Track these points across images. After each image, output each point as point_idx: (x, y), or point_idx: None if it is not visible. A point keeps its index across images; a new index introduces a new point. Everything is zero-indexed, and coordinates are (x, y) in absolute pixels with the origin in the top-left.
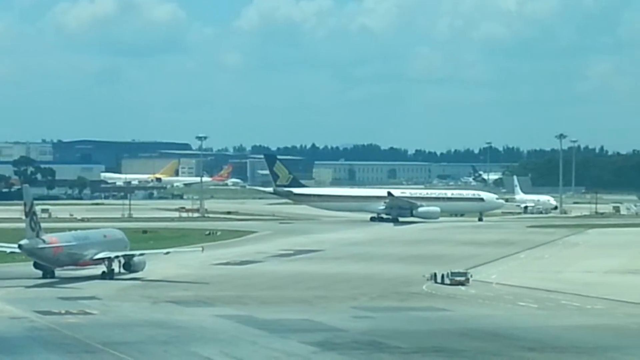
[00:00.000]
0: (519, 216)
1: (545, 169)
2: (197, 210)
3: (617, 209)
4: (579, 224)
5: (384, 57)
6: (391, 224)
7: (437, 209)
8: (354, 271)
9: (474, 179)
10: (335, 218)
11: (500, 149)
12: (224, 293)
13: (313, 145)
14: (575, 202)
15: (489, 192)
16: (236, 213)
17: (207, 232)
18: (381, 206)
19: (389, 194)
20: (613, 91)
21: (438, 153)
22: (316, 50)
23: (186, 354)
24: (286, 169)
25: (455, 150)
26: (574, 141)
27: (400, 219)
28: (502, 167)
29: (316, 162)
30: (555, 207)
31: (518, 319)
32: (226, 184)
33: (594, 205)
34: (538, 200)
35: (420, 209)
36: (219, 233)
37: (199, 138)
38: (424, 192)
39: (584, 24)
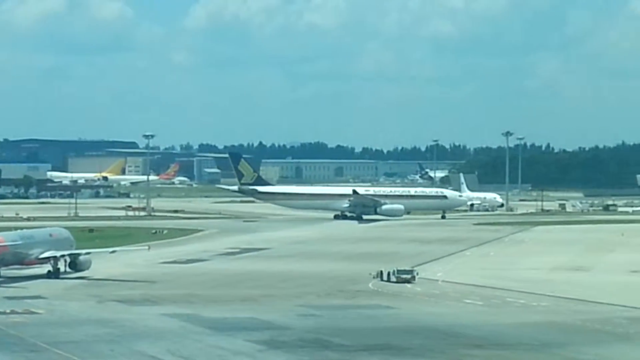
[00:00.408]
0: (465, 214)
1: (492, 167)
2: (144, 209)
3: (563, 206)
4: (525, 222)
5: (332, 55)
6: (355, 222)
7: (401, 206)
8: (301, 269)
9: (420, 176)
10: (285, 216)
11: (447, 146)
12: (170, 292)
13: (260, 143)
14: (521, 199)
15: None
16: (182, 212)
17: (154, 231)
18: (345, 204)
19: (354, 192)
20: (559, 89)
21: (385, 151)
22: (264, 48)
23: (132, 352)
24: (251, 167)
25: (402, 148)
26: (521, 139)
27: (364, 217)
28: (448, 164)
29: (263, 161)
30: (502, 205)
31: (464, 317)
32: (173, 183)
33: (540, 203)
34: (484, 198)
35: (384, 207)
36: (165, 232)
37: (146, 136)
38: (387, 190)
39: (532, 21)
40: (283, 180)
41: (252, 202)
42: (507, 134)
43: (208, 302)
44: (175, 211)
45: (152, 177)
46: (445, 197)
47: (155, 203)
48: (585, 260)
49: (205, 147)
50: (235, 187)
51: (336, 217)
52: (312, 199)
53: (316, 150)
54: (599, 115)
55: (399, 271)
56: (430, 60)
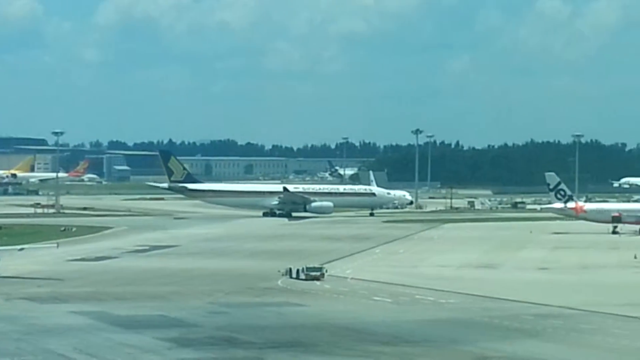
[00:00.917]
0: (375, 211)
1: (401, 164)
2: (53, 206)
3: (471, 204)
4: (434, 219)
5: (241, 53)
6: (286, 219)
7: (330, 204)
8: (210, 267)
9: (330, 174)
10: (197, 213)
11: (357, 144)
12: (79, 289)
13: (170, 140)
14: (430, 197)
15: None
16: (92, 209)
17: (63, 228)
18: (274, 201)
19: (285, 189)
20: (469, 87)
21: (295, 148)
22: (174, 46)
23: (40, 350)
24: (181, 165)
25: (312, 146)
26: (430, 136)
27: (294, 214)
28: (358, 162)
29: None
30: (411, 202)
31: (373, 314)
32: (82, 180)
33: (449, 200)
34: (394, 195)
35: (314, 204)
36: (74, 229)
37: (55, 133)
38: (316, 187)
39: (441, 19)
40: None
41: (180, 199)
42: (417, 131)
43: (117, 299)
44: (85, 208)
45: (61, 174)
46: (373, 194)
47: (65, 200)
48: (494, 257)
49: (115, 144)
50: (165, 185)
51: (265, 214)
52: (241, 196)
53: (226, 147)
54: (508, 113)
55: (308, 268)
56: (340, 58)
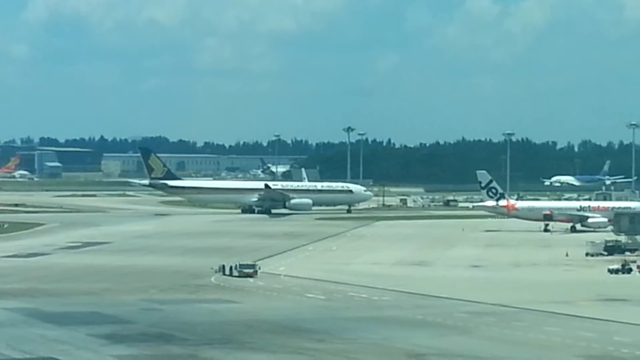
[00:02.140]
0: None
1: (334, 162)
2: None
3: (404, 202)
4: (367, 217)
5: (171, 50)
6: (266, 216)
7: (310, 200)
8: (143, 263)
9: (262, 171)
10: (129, 211)
11: (289, 141)
12: (10, 286)
13: (102, 137)
14: None
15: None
16: (24, 205)
17: None
18: (254, 198)
19: (266, 186)
20: (399, 85)
21: (227, 145)
22: (104, 42)
23: None
24: (161, 162)
25: (244, 143)
26: (362, 134)
27: (273, 211)
28: (290, 159)
29: (105, 154)
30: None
31: (306, 311)
32: (13, 176)
33: (381, 198)
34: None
35: (293, 201)
36: (5, 225)
37: None
38: (295, 185)
39: (370, 18)
40: (124, 174)
41: (163, 196)
42: (349, 129)
43: (49, 295)
44: (16, 205)
45: None
46: (351, 191)
47: None
48: (427, 255)
49: (46, 141)
50: (146, 182)
51: (244, 211)
52: (221, 193)
53: (157, 144)
54: (439, 111)
55: (241, 265)
56: (270, 56)
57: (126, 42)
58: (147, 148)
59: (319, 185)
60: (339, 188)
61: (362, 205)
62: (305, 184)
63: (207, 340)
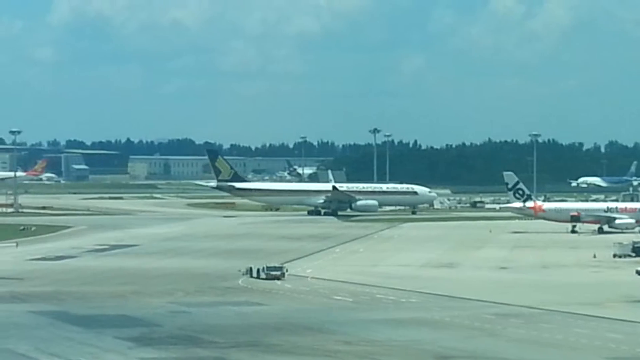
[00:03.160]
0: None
1: (360, 163)
2: (11, 206)
3: (431, 204)
4: (394, 218)
5: (197, 51)
6: (334, 218)
7: (375, 202)
8: (170, 266)
9: (289, 173)
10: (156, 213)
11: (315, 143)
12: (38, 289)
13: (128, 139)
14: None
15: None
16: (51, 208)
17: (22, 227)
18: (320, 200)
19: (334, 187)
20: (425, 86)
21: (253, 147)
22: (128, 44)
23: (0, 351)
24: (227, 164)
25: (270, 145)
26: (388, 135)
27: (340, 213)
28: (317, 161)
29: (131, 157)
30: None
31: (333, 313)
32: (41, 179)
33: None
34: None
35: (359, 203)
36: (33, 228)
37: (13, 132)
38: (360, 186)
39: (395, 18)
40: (151, 177)
41: (230, 199)
42: (375, 131)
43: (77, 299)
44: (44, 208)
45: (19, 174)
46: (415, 193)
47: (23, 200)
48: (454, 256)
49: (72, 143)
50: (214, 184)
51: (310, 212)
52: (288, 195)
53: (184, 146)
54: (465, 112)
55: (268, 268)
56: (296, 57)
57: (150, 43)
58: (215, 150)
59: (384, 186)
60: (404, 189)
61: (388, 207)
62: (371, 186)
63: (235, 343)
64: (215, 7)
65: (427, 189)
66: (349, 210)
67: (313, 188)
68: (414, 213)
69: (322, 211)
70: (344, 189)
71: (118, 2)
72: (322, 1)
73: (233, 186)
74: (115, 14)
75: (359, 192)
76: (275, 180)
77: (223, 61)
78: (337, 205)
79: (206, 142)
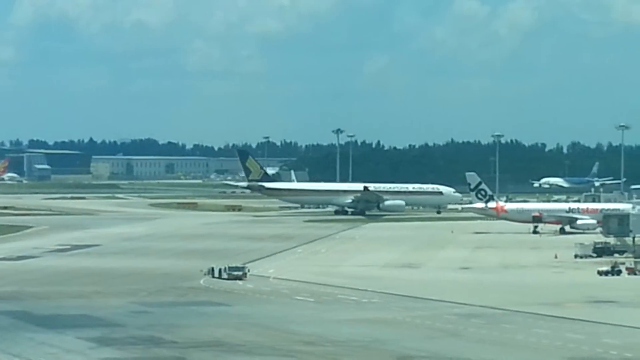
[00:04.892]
0: (296, 210)
1: (323, 163)
2: None
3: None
4: (356, 219)
5: (160, 51)
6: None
7: (402, 202)
8: (132, 266)
9: None
10: (117, 213)
11: (278, 143)
12: (0, 289)
13: (91, 139)
14: None
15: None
16: (13, 208)
17: None
18: (348, 200)
19: (365, 188)
20: (388, 87)
21: (216, 147)
22: (92, 45)
23: None
24: (258, 164)
25: (233, 145)
26: (351, 136)
27: (367, 213)
28: (280, 161)
29: (94, 157)
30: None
31: (295, 314)
32: (2, 179)
33: None
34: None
35: (387, 203)
36: None
37: None
38: (387, 186)
39: (359, 19)
40: (114, 177)
41: (259, 197)
42: (338, 131)
43: (38, 299)
44: (5, 207)
45: None
46: (440, 193)
47: None
48: (416, 257)
49: (35, 143)
50: (244, 184)
51: (337, 212)
52: (317, 194)
53: (147, 146)
54: (428, 113)
55: (230, 268)
56: (259, 57)
57: (114, 44)
58: (245, 151)
59: (410, 187)
60: (430, 189)
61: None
62: (397, 186)
63: (196, 343)
64: (180, 8)
65: (452, 189)
66: (376, 210)
67: (342, 188)
68: (438, 213)
69: (349, 211)
70: (372, 188)
71: (82, 2)
72: (286, 1)
73: (263, 186)
74: (79, 14)
75: (386, 192)
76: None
77: (186, 61)
78: (365, 205)
79: (169, 142)
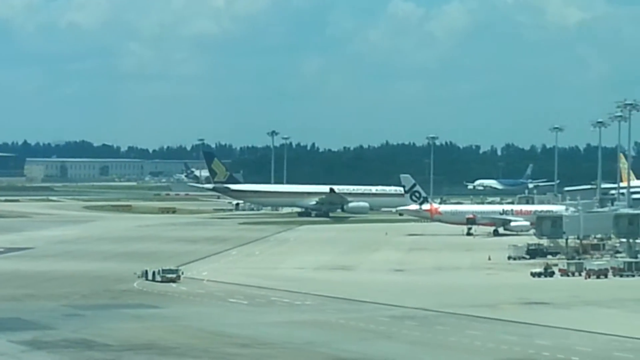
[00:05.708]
0: (231, 213)
1: (258, 166)
2: None
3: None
4: (290, 221)
5: (95, 53)
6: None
7: (366, 204)
8: (66, 269)
9: (186, 175)
10: (51, 216)
11: (213, 145)
12: None
13: (25, 142)
14: None
15: None
16: None
17: None
18: (312, 202)
19: (331, 190)
20: (323, 89)
21: (151, 150)
22: (25, 46)
23: None
24: (223, 166)
25: (168, 147)
26: (286, 138)
27: (331, 214)
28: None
29: (28, 159)
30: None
31: (229, 316)
32: None
33: None
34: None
35: (351, 205)
36: None
37: None
38: (350, 188)
39: (295, 21)
40: (47, 179)
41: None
42: (273, 133)
43: None
44: None
45: None
46: (403, 195)
47: None
48: (350, 259)
49: None
50: (210, 186)
51: (300, 214)
52: (280, 196)
53: (81, 149)
54: (363, 115)
55: (164, 270)
56: (194, 60)
57: (48, 46)
58: (211, 153)
59: (374, 189)
60: (393, 192)
61: (286, 210)
62: (361, 188)
63: (130, 346)
64: (114, 10)
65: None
66: (339, 211)
67: (306, 190)
68: (401, 215)
69: (313, 213)
70: (336, 190)
71: (15, 3)
72: (221, 3)
73: (229, 188)
74: (12, 15)
75: (350, 194)
76: (171, 183)
77: (121, 63)
78: (329, 207)
79: (104, 145)
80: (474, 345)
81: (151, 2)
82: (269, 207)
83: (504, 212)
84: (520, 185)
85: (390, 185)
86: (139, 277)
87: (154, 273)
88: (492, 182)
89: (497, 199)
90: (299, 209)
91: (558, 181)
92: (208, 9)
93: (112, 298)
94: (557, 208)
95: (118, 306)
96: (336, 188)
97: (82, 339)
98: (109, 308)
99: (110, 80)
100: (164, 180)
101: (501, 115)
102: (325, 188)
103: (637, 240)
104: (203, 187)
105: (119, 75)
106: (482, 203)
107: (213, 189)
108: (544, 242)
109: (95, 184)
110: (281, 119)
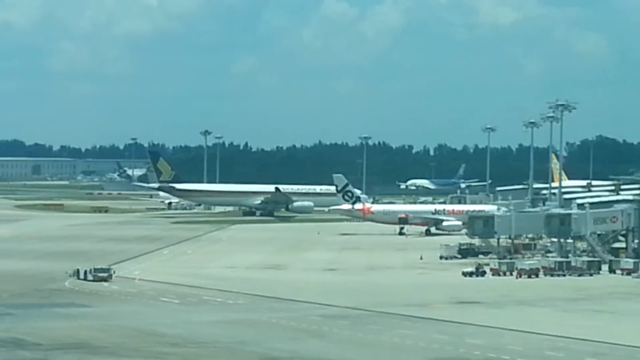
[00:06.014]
0: (164, 212)
1: (191, 165)
2: None
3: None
4: (223, 220)
5: (26, 52)
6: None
7: (311, 203)
8: None
9: (118, 175)
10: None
11: (146, 144)
12: None
13: None
14: None
15: None
16: None
17: None
18: (257, 201)
19: (277, 189)
20: (256, 88)
21: (83, 149)
22: None
23: None
24: (169, 165)
25: (101, 146)
26: (219, 137)
27: (275, 214)
28: (147, 163)
29: None
30: (200, 204)
31: (160, 315)
32: None
33: None
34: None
35: (296, 204)
36: None
37: None
38: (295, 188)
39: (226, 19)
40: None
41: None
42: (206, 132)
43: None
44: None
45: None
46: None
47: None
48: (282, 258)
49: None
50: (155, 185)
51: (245, 213)
52: (227, 196)
53: (13, 148)
54: (295, 114)
55: (95, 269)
56: (126, 58)
57: None
58: (156, 152)
59: (318, 188)
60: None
61: (219, 209)
62: (305, 187)
63: (60, 345)
64: (45, 7)
65: (359, 191)
66: (283, 211)
67: (251, 189)
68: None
69: (258, 212)
70: (281, 190)
71: None
72: (153, 2)
73: (174, 187)
74: None
75: (294, 194)
76: (104, 182)
77: (53, 62)
78: (274, 207)
79: (36, 144)
80: (406, 345)
81: (83, 0)
82: (201, 206)
83: (436, 212)
84: (452, 185)
85: (322, 184)
86: (70, 276)
87: (85, 272)
88: (425, 182)
89: (430, 198)
90: (244, 208)
91: (490, 181)
92: (140, 7)
93: (43, 297)
94: (489, 208)
95: (49, 305)
96: (281, 187)
97: (12, 337)
98: (40, 307)
99: (42, 78)
100: (96, 179)
101: (434, 115)
102: (270, 187)
103: (568, 240)
104: (149, 187)
105: (51, 74)
106: (415, 203)
107: (158, 189)
108: (476, 241)
109: (27, 183)
110: (214, 118)
